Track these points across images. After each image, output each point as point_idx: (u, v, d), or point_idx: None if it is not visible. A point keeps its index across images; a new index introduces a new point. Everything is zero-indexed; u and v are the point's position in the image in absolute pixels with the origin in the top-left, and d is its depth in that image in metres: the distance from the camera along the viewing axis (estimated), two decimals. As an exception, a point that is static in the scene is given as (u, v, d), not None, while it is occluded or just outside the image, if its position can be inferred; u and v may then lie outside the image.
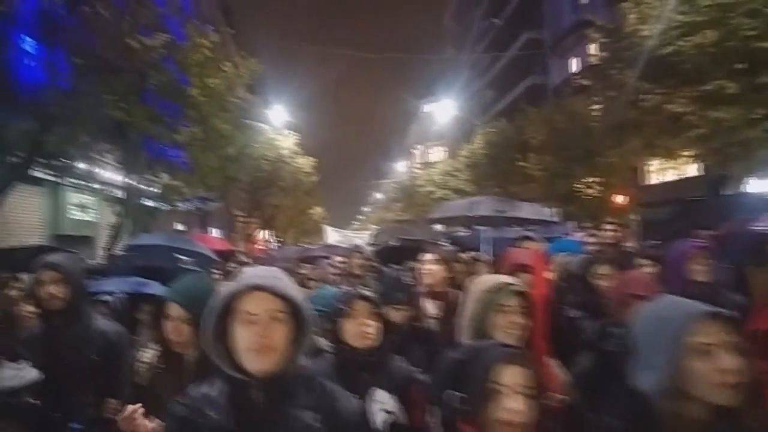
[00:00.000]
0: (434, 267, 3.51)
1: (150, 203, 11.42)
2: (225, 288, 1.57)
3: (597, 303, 3.17)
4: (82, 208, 15.68)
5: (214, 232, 32.22)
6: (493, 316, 2.13)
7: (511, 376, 1.50)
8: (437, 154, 58.76)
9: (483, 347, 1.65)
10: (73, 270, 2.85)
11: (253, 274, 1.59)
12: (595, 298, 3.21)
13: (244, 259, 7.19)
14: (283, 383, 1.51)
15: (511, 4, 35.10)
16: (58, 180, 14.69)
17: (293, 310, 1.50)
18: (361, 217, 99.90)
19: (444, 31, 58.94)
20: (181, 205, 12.60)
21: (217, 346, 1.51)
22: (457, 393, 1.55)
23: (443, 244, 7.65)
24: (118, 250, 7.69)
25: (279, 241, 29.76)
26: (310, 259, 6.40)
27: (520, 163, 19.47)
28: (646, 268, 3.60)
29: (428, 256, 3.58)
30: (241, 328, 1.47)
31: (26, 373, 2.21)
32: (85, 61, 7.68)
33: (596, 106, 17.71)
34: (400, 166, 67.28)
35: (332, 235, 17.52)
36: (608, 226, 5.33)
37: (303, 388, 1.56)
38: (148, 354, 2.40)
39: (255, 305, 1.47)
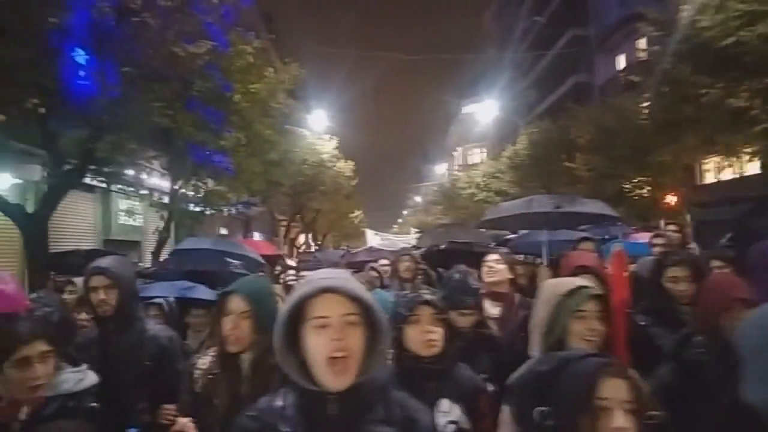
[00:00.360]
0: (499, 267, 3.37)
1: (195, 208, 11.60)
2: (295, 292, 1.46)
3: (671, 309, 2.93)
4: (130, 214, 16.18)
5: (257, 236, 32.84)
6: (569, 321, 1.96)
7: (614, 390, 1.37)
8: (478, 155, 58.11)
9: (575, 358, 1.50)
10: (123, 274, 2.82)
11: (320, 276, 1.49)
12: (668, 303, 2.95)
13: (289, 263, 7.14)
14: (359, 395, 1.40)
15: (555, 1, 34.24)
16: (108, 186, 15.30)
17: (367, 314, 1.40)
18: (400, 220, 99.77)
19: (484, 31, 58.28)
20: (226, 210, 12.78)
21: (289, 355, 1.41)
22: (547, 409, 1.42)
23: (492, 246, 7.43)
24: (166, 254, 7.79)
25: (318, 245, 29.98)
26: (356, 264, 6.29)
27: (567, 164, 18.89)
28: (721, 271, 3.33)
29: (493, 257, 3.48)
30: (313, 335, 1.38)
31: (86, 376, 2.19)
32: (133, 70, 7.82)
33: (647, 103, 17.12)
34: (440, 169, 66.87)
35: (373, 239, 17.40)
36: (671, 227, 5.00)
37: (379, 400, 1.46)
38: (204, 360, 2.35)
39: (327, 308, 1.37)
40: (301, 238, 29.97)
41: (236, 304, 2.20)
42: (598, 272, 2.85)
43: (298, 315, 1.41)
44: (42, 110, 7.82)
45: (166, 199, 11.87)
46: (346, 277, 1.49)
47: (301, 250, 26.14)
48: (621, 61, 28.26)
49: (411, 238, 16.58)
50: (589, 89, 29.86)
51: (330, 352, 1.34)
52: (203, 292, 4.09)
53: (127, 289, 2.78)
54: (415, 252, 6.09)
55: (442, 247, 5.79)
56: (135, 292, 2.92)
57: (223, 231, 28.13)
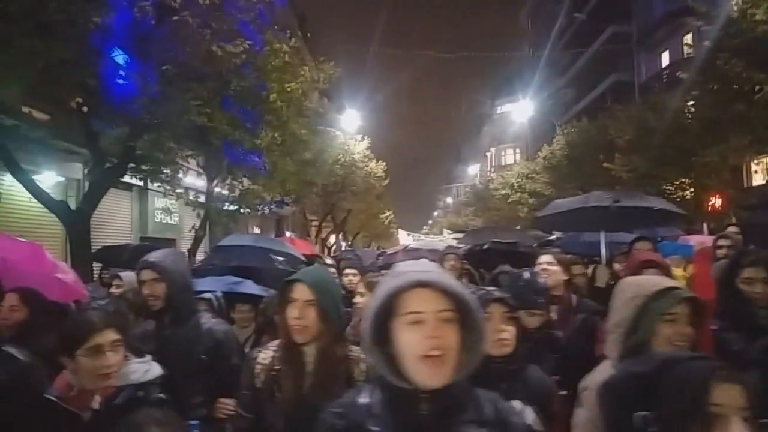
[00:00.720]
0: (553, 269, 3.26)
1: (231, 207, 11.67)
2: (385, 285, 1.40)
3: (746, 312, 2.70)
4: (166, 212, 16.47)
5: (288, 236, 33.15)
6: (657, 324, 1.84)
7: (730, 396, 1.29)
8: (511, 156, 57.35)
9: (682, 359, 1.40)
10: (171, 268, 2.78)
11: (413, 268, 1.42)
12: (743, 306, 2.72)
13: (328, 262, 7.05)
14: (452, 395, 1.35)
15: (595, -2, 33.32)
16: (146, 185, 15.60)
17: (462, 311, 1.33)
18: (429, 221, 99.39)
19: (520, 29, 57.43)
20: (260, 209, 12.82)
21: (378, 351, 1.36)
22: (650, 414, 1.32)
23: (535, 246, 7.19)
24: (202, 252, 7.82)
25: (349, 245, 29.98)
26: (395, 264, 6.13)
27: (606, 165, 18.35)
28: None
29: (546, 258, 3.36)
30: (406, 331, 1.33)
31: (151, 367, 2.18)
32: (172, 68, 7.88)
33: (692, 102, 16.47)
34: (473, 170, 66.26)
35: (406, 239, 17.30)
36: (732, 228, 4.71)
37: (473, 400, 1.42)
38: (265, 354, 2.27)
39: (421, 304, 1.32)
40: (332, 239, 30.03)
41: (301, 292, 2.13)
42: (665, 266, 2.68)
43: (388, 309, 1.35)
44: (85, 109, 7.95)
45: (201, 198, 11.99)
46: (440, 270, 1.42)
47: (333, 250, 26.17)
48: (665, 58, 27.36)
49: (444, 239, 16.38)
50: (629, 88, 28.97)
51: (425, 350, 1.29)
52: (251, 287, 4.07)
53: (176, 283, 2.74)
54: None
55: (485, 246, 5.62)
56: (186, 286, 2.85)
57: (257, 230, 28.50)
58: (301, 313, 2.10)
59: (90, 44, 7.35)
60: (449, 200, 78.30)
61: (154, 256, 2.79)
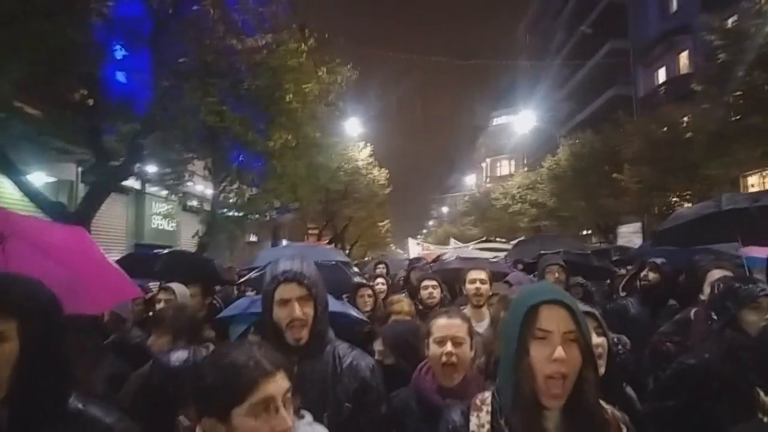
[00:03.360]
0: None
1: (238, 213, 11.13)
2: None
3: None
4: (164, 217, 15.83)
5: (285, 243, 32.45)
6: None
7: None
8: (506, 167, 57.28)
9: None
10: (318, 280, 2.06)
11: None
12: None
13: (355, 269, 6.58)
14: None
15: (594, 13, 33.62)
16: (143, 188, 15.00)
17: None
18: (424, 231, 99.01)
19: (518, 42, 57.63)
20: (268, 215, 12.30)
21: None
22: None
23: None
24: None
25: (347, 255, 29.39)
26: (449, 273, 5.65)
27: (615, 175, 18.21)
28: None
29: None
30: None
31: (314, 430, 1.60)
32: (187, 62, 7.39)
33: (689, 116, 16.51)
34: (470, 179, 66.11)
35: (415, 248, 16.80)
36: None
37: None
38: (478, 419, 1.62)
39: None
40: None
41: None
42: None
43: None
44: (90, 102, 7.41)
45: (204, 204, 11.45)
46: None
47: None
48: (662, 75, 27.70)
49: (452, 249, 15.93)
50: (627, 102, 29.10)
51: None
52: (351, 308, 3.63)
53: (322, 301, 2.06)
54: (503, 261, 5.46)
55: (532, 259, 5.21)
56: (327, 302, 2.13)
57: (253, 237, 27.85)
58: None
59: (94, 32, 6.88)
60: (444, 210, 78.04)
61: (298, 266, 2.02)
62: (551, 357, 1.29)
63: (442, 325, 2.27)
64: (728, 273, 2.96)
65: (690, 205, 17.31)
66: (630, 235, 27.02)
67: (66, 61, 6.51)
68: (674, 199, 17.64)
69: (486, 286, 3.59)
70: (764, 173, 19.46)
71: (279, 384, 1.34)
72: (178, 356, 2.33)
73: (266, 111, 9.83)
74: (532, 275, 4.96)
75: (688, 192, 17.28)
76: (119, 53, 7.54)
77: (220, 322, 3.50)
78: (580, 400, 1.32)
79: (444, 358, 2.19)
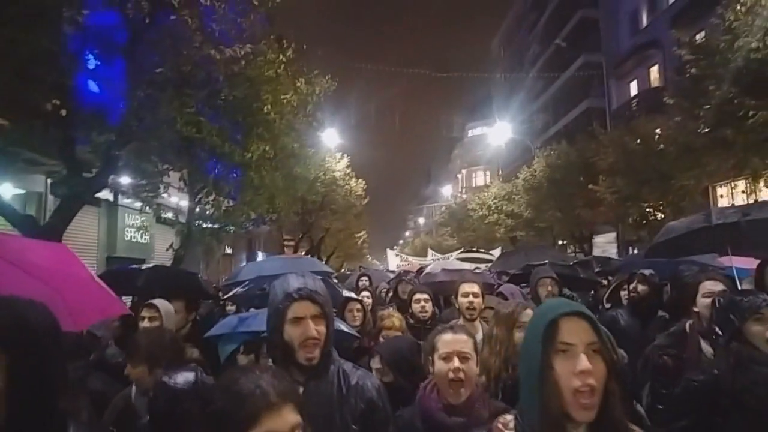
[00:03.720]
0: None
1: (214, 225, 10.91)
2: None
3: None
4: (138, 229, 15.43)
5: (260, 256, 32.02)
6: None
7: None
8: (482, 178, 57.90)
9: None
10: (329, 300, 1.99)
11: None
12: None
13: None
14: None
15: (567, 27, 34.34)
16: (116, 200, 14.61)
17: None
18: (401, 242, 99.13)
19: (492, 56, 58.50)
20: (245, 227, 12.09)
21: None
22: None
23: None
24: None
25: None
26: (436, 285, 5.58)
27: (590, 186, 18.50)
28: None
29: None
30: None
31: None
32: (164, 72, 7.23)
33: (660, 129, 16.92)
34: (446, 191, 66.58)
35: (393, 259, 16.75)
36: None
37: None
38: None
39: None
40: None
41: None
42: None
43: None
44: (63, 112, 7.17)
45: (179, 216, 11.21)
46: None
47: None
48: (633, 88, 28.36)
49: (432, 260, 15.93)
50: (601, 114, 29.75)
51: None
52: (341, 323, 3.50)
53: (332, 320, 1.99)
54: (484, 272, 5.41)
55: (517, 271, 5.19)
56: (333, 320, 2.07)
57: (228, 249, 27.41)
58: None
59: (67, 41, 6.67)
60: (421, 220, 78.34)
61: (312, 283, 1.93)
62: (577, 369, 1.25)
63: (448, 340, 2.21)
64: (720, 284, 2.96)
65: (662, 216, 17.70)
66: (605, 244, 27.47)
67: (38, 70, 6.29)
68: (648, 210, 17.92)
69: (479, 300, 3.54)
70: (733, 184, 20.09)
71: (285, 419, 1.23)
72: (186, 378, 2.23)
73: (243, 122, 9.71)
74: (519, 286, 4.94)
75: (662, 202, 17.60)
76: (93, 62, 7.34)
77: (208, 341, 3.36)
78: (607, 414, 1.28)
79: (451, 374, 2.12)
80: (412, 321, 4.10)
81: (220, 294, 6.74)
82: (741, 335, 2.30)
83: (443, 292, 5.93)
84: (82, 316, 2.63)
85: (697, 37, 14.56)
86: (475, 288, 3.56)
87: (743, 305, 2.34)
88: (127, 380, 2.82)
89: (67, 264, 2.76)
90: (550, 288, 3.69)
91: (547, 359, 1.29)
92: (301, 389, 1.84)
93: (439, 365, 2.18)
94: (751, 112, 10.37)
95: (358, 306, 4.35)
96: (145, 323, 3.33)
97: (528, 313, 2.81)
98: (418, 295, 4.10)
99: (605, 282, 6.68)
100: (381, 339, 3.48)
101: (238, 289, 4.89)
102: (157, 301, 3.44)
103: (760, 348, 2.25)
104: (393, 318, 3.53)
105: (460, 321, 3.66)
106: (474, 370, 2.20)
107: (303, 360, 1.86)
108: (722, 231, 3.32)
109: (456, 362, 2.14)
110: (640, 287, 4.09)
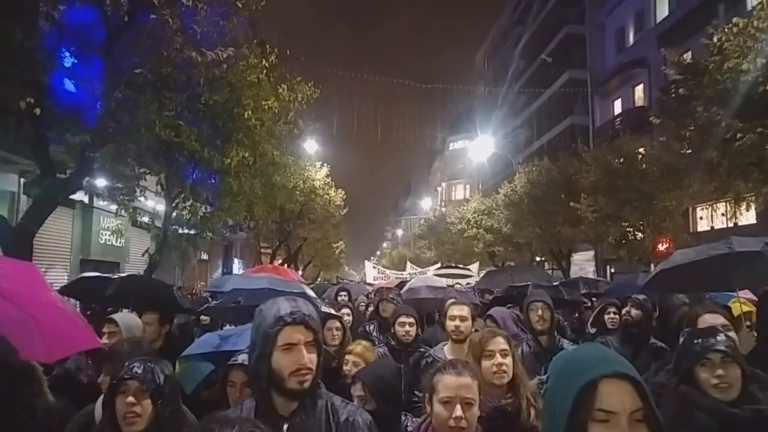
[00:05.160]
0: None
1: (191, 231, 10.62)
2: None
3: None
4: (113, 233, 15.01)
5: (236, 263, 31.52)
6: None
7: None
8: (462, 192, 58.13)
9: None
10: (320, 324, 1.85)
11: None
12: None
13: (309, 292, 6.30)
14: None
15: (553, 43, 34.59)
16: (92, 202, 14.19)
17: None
18: (378, 253, 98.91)
19: (475, 70, 59.04)
20: (223, 234, 11.81)
21: None
22: None
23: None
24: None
25: (301, 276, 28.84)
26: (417, 302, 5.41)
27: (572, 204, 18.54)
28: None
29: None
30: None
31: None
32: (144, 73, 7.00)
33: (654, 148, 17.01)
34: (426, 203, 66.66)
35: (371, 271, 16.57)
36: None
37: None
38: None
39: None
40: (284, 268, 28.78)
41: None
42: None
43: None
44: (37, 111, 6.88)
45: (155, 220, 10.89)
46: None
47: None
48: (617, 106, 28.59)
49: (409, 274, 15.78)
50: (584, 131, 30.00)
51: None
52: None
53: (323, 350, 1.82)
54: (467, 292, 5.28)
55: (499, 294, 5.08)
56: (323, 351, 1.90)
57: (204, 255, 26.91)
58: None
59: (43, 37, 6.42)
60: (399, 232, 78.30)
61: (302, 306, 1.77)
62: None
63: (451, 384, 2.00)
64: (720, 317, 2.85)
65: (642, 236, 17.84)
66: (583, 262, 27.66)
67: (11, 66, 6.02)
68: (628, 230, 17.98)
69: (467, 323, 3.39)
70: (716, 206, 20.37)
71: None
72: None
73: (223, 127, 9.51)
74: (506, 306, 4.83)
75: (642, 222, 17.71)
76: (69, 60, 7.07)
77: (185, 360, 3.12)
78: None
79: (452, 422, 1.94)
80: (393, 342, 3.93)
81: (195, 306, 6.51)
82: (692, 379, 2.20)
83: (425, 309, 5.80)
84: (55, 347, 2.41)
85: (685, 56, 14.59)
86: (464, 311, 3.41)
87: (694, 348, 2.24)
88: (88, 397, 2.61)
89: (40, 290, 2.54)
90: (540, 312, 3.55)
91: (580, 428, 1.12)
92: (285, 426, 1.67)
93: (439, 410, 2.00)
94: (738, 135, 10.40)
95: (338, 324, 4.14)
96: (104, 339, 3.08)
97: (498, 341, 2.64)
98: (403, 318, 3.91)
99: (589, 303, 6.63)
100: (345, 358, 3.32)
101: (214, 303, 4.68)
102: (118, 316, 3.21)
103: (709, 393, 2.13)
104: (367, 353, 3.31)
105: (448, 344, 3.52)
106: (476, 415, 2.02)
107: (294, 384, 1.67)
108: (743, 257, 3.15)
109: (458, 410, 1.95)
110: (634, 312, 3.98)
